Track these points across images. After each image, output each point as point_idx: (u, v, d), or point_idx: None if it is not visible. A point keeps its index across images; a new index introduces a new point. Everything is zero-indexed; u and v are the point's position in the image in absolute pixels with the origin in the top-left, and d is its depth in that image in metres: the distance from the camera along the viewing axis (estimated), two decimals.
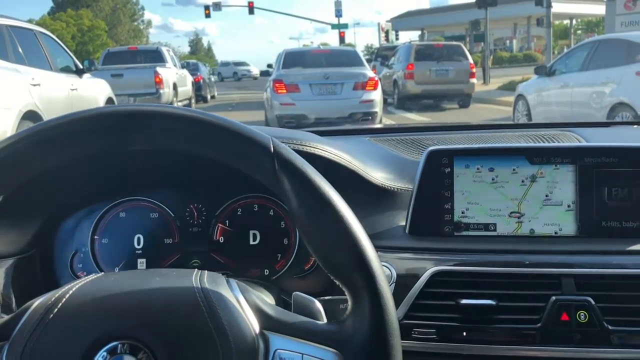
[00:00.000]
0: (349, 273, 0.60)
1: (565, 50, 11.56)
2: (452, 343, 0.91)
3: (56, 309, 0.57)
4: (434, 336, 0.91)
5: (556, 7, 20.32)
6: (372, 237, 0.99)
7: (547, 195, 1.00)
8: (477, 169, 1.02)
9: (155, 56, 13.20)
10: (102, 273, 0.67)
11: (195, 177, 1.09)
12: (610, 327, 0.87)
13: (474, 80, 13.15)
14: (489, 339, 0.90)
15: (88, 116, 0.61)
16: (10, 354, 0.55)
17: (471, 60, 13.32)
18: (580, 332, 0.88)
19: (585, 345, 0.88)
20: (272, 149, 0.61)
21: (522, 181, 1.01)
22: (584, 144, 1.08)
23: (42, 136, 0.60)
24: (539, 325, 0.89)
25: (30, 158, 0.60)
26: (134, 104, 0.63)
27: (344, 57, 9.96)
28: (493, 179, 1.02)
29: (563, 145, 1.03)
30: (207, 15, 32.50)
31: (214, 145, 0.61)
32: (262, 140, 0.61)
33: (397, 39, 42.38)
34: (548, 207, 1.00)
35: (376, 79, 9.22)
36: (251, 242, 1.08)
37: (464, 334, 0.91)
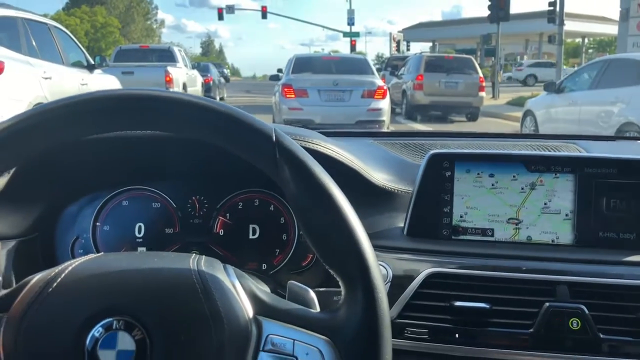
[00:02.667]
0: (344, 263, 0.61)
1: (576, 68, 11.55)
2: (444, 344, 0.91)
3: (55, 283, 0.58)
4: (427, 336, 0.92)
5: (569, 25, 20.35)
6: (371, 236, 1.00)
7: (545, 204, 1.01)
8: (478, 174, 1.03)
9: (167, 55, 13.26)
10: (102, 253, 0.68)
11: (198, 169, 1.10)
12: (602, 336, 0.88)
13: (482, 93, 13.15)
14: (481, 341, 0.91)
15: (96, 97, 0.62)
16: (8, 326, 0.56)
17: (481, 74, 13.33)
18: (572, 339, 0.89)
19: (576, 353, 0.88)
20: (274, 137, 0.62)
21: (522, 188, 1.02)
22: (584, 154, 1.08)
23: (51, 115, 0.62)
24: (531, 330, 0.90)
25: (43, 133, 0.62)
26: (141, 88, 0.64)
27: (354, 65, 9.99)
28: (493, 185, 1.02)
29: (563, 155, 1.04)
30: (220, 18, 32.64)
31: (217, 131, 0.62)
32: (264, 128, 0.63)
33: (408, 49, 42.50)
34: (546, 215, 1.01)
35: (385, 87, 9.24)
36: (250, 236, 1.09)
37: (457, 335, 0.91)
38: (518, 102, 14.32)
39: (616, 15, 15.22)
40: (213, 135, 0.63)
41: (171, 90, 0.65)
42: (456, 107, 13.16)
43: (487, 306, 0.91)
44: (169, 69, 12.04)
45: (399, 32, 46.64)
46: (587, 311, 0.89)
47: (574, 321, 0.89)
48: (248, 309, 0.60)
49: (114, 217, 1.09)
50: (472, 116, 13.18)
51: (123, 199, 1.10)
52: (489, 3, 18.17)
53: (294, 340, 0.59)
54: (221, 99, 19.16)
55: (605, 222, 0.99)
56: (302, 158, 0.62)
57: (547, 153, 1.05)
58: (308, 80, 9.05)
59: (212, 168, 1.08)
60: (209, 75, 17.90)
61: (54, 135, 0.62)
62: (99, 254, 0.67)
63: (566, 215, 1.01)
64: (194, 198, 1.10)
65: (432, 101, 12.83)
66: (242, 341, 0.58)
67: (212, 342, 0.56)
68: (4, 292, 0.61)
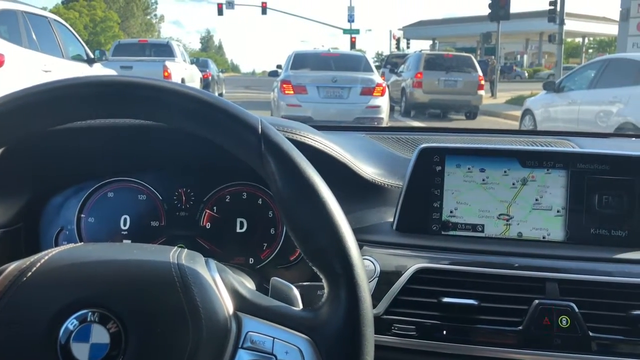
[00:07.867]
0: (328, 260, 0.60)
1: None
2: (432, 341, 0.90)
3: (30, 273, 0.56)
4: (414, 333, 0.90)
5: (569, 25, 20.33)
6: (359, 231, 0.98)
7: (537, 199, 1.00)
8: (468, 168, 1.01)
9: (165, 50, 13.25)
10: (81, 243, 0.67)
11: (185, 161, 1.09)
12: (591, 334, 0.86)
13: (482, 92, 13.13)
14: (469, 338, 0.89)
15: (80, 82, 0.61)
16: None
17: (480, 73, 13.31)
18: (561, 337, 0.87)
19: (565, 351, 0.87)
20: (260, 129, 0.61)
21: (513, 184, 1.00)
22: (577, 149, 1.07)
23: (31, 99, 0.60)
24: (520, 328, 0.88)
25: (22, 118, 0.60)
26: (124, 75, 0.62)
27: (353, 62, 9.95)
28: (483, 180, 1.01)
29: (555, 150, 1.03)
30: (220, 13, 32.53)
31: (202, 121, 0.61)
32: (250, 120, 0.61)
33: (408, 47, 42.47)
34: (537, 211, 1.00)
35: (384, 85, 9.22)
36: (238, 230, 1.07)
37: (444, 332, 0.90)
38: (517, 102, 14.30)
39: (616, 16, 15.22)
40: (198, 125, 0.61)
41: (156, 78, 0.64)
42: (455, 106, 13.14)
43: (476, 303, 0.90)
44: (167, 63, 12.02)
45: (399, 29, 46.61)
46: (576, 309, 0.88)
47: (564, 319, 0.87)
48: (228, 305, 0.58)
49: (99, 209, 1.07)
50: (471, 115, 13.16)
51: (109, 190, 1.08)
52: (490, 2, 18.14)
53: (273, 338, 0.58)
54: (220, 94, 19.15)
55: (597, 218, 0.98)
56: (288, 151, 0.61)
57: (538, 148, 1.04)
58: (307, 77, 9.02)
59: (199, 160, 1.06)
60: (207, 70, 17.87)
61: (34, 120, 0.61)
62: (79, 243, 0.65)
63: (557, 211, 0.99)
64: (180, 190, 1.08)
65: (431, 99, 12.80)
66: (220, 337, 0.56)
67: (189, 337, 0.55)
68: None
